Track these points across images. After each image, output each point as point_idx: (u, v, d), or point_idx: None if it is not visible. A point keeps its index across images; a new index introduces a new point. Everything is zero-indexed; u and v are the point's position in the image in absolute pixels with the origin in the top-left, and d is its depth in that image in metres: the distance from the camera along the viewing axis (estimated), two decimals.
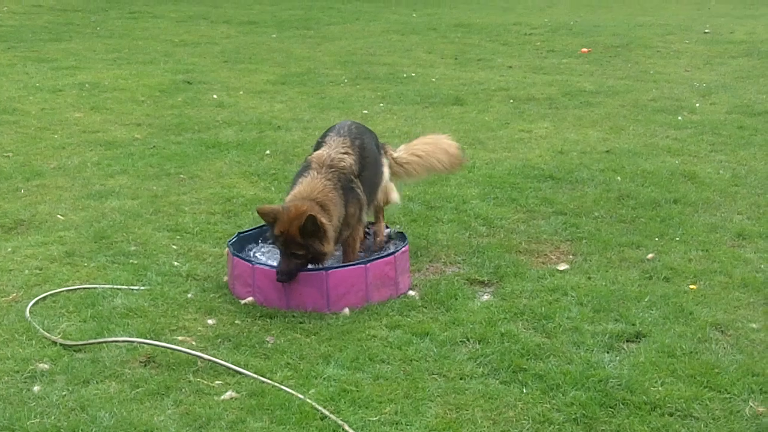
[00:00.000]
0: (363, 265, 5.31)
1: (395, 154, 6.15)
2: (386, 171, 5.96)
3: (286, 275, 5.16)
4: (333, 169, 5.43)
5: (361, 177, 5.55)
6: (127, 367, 4.57)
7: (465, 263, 5.95)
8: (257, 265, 5.31)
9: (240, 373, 4.50)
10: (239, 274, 5.36)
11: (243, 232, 5.85)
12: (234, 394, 4.33)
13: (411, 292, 5.48)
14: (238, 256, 5.42)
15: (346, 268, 5.34)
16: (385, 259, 5.40)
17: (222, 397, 4.31)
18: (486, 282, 5.69)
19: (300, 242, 5.12)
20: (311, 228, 5.07)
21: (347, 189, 5.43)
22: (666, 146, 8.82)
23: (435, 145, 6.32)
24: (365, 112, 10.17)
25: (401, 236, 5.90)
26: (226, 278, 5.58)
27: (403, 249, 5.55)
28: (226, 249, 5.61)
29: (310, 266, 5.31)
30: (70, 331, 4.93)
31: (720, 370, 4.58)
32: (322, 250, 5.18)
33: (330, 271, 5.26)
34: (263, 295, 5.26)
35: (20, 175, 7.70)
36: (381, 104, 10.66)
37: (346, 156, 5.52)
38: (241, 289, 5.35)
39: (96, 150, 8.53)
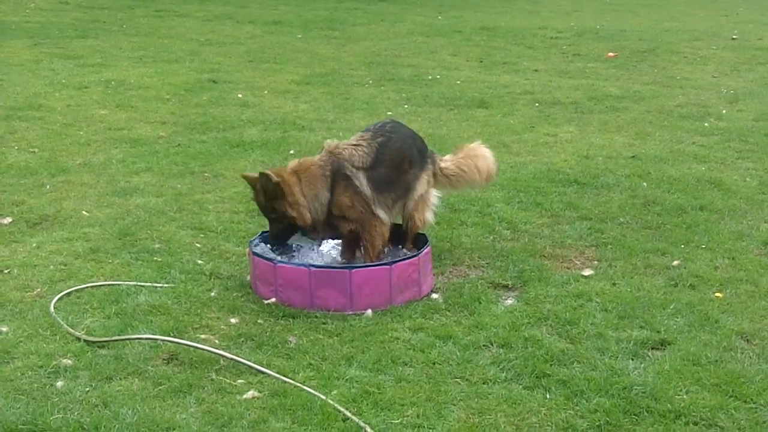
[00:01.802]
0: (387, 266, 5.30)
1: (442, 165, 6.03)
2: (422, 183, 5.81)
3: (273, 238, 5.53)
4: (330, 156, 5.52)
5: (372, 172, 5.52)
6: (150, 364, 4.57)
7: (489, 267, 5.93)
8: (279, 264, 5.30)
9: (262, 373, 4.50)
10: (261, 274, 5.36)
11: (266, 232, 5.84)
12: (256, 394, 4.32)
13: (434, 295, 5.46)
14: (259, 256, 5.41)
15: (370, 267, 5.33)
16: (409, 260, 5.38)
17: (244, 396, 4.30)
18: (510, 286, 5.66)
19: (267, 205, 5.38)
20: (268, 187, 5.30)
21: (338, 174, 5.44)
22: (692, 153, 8.75)
23: (480, 159, 6.14)
24: (389, 113, 10.16)
25: (423, 238, 5.86)
26: (249, 277, 5.58)
27: (426, 250, 5.53)
28: (248, 249, 5.61)
29: (335, 266, 5.37)
30: (94, 327, 4.94)
31: (746, 380, 4.53)
32: (287, 213, 5.35)
33: (354, 270, 5.26)
34: (285, 295, 5.25)
35: (45, 170, 7.74)
36: (405, 106, 10.65)
37: (353, 147, 5.55)
38: (263, 289, 5.35)
39: (121, 147, 8.57)
